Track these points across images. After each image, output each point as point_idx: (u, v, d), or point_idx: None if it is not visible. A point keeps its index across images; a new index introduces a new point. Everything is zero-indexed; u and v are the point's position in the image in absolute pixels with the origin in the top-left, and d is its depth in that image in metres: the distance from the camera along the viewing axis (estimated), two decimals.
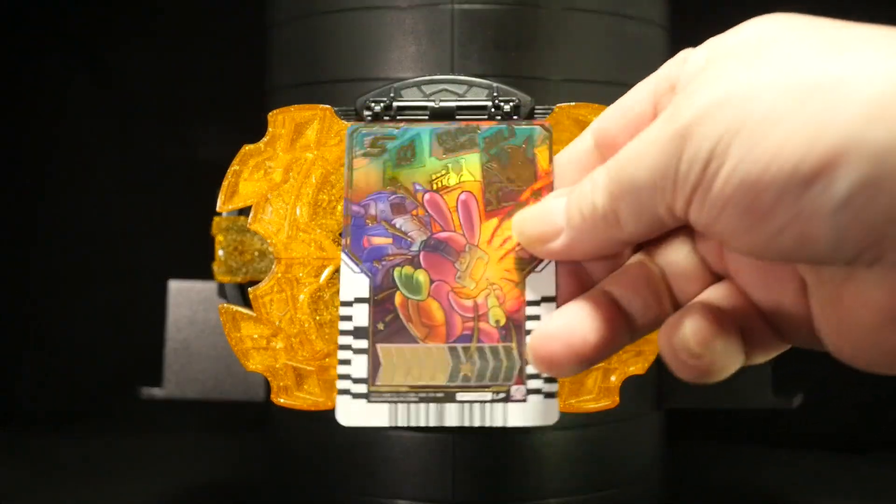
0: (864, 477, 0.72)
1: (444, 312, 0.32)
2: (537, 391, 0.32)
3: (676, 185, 0.27)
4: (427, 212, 0.33)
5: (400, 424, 0.32)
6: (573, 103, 0.50)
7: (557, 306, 0.31)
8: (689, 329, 0.28)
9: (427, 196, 0.33)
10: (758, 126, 0.25)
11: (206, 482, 0.69)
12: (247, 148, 0.51)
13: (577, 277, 0.32)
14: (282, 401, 0.51)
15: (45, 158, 0.85)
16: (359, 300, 0.33)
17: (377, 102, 0.51)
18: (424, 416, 0.32)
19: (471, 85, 0.51)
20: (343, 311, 0.32)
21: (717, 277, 0.30)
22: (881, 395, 0.78)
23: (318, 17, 0.55)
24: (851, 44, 0.25)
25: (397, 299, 0.33)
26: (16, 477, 0.68)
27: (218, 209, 0.51)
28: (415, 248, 0.33)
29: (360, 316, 0.32)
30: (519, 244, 0.32)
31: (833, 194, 0.24)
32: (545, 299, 0.32)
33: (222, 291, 0.54)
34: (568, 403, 0.42)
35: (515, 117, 0.40)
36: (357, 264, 0.33)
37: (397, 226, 0.33)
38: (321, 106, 0.51)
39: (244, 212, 0.52)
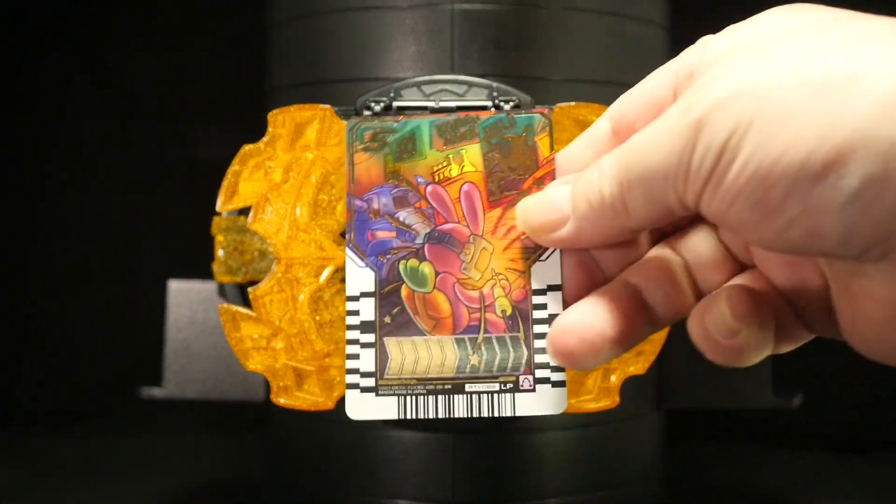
0: (864, 477, 0.72)
1: (451, 304, 0.32)
2: (545, 380, 0.32)
3: (688, 176, 0.27)
4: (430, 204, 0.33)
5: (409, 417, 0.32)
6: (573, 103, 0.50)
7: (563, 295, 0.32)
8: (727, 305, 0.28)
9: (429, 188, 0.33)
10: (771, 120, 0.25)
11: (206, 482, 0.69)
12: (247, 148, 0.51)
13: (583, 265, 0.32)
14: (282, 401, 0.51)
15: (45, 158, 0.85)
16: (365, 294, 0.33)
17: (377, 102, 0.51)
18: (433, 408, 0.32)
19: (471, 85, 0.51)
20: (349, 305, 0.32)
21: (740, 267, 0.31)
22: (881, 395, 0.78)
23: (318, 17, 0.55)
24: (867, 38, 0.25)
25: (403, 292, 0.33)
26: (16, 477, 0.68)
27: (218, 209, 0.51)
28: (419, 240, 0.33)
29: (367, 310, 0.33)
30: (523, 233, 0.32)
31: (842, 189, 0.24)
32: (551, 287, 0.32)
33: (222, 291, 0.54)
34: (568, 403, 0.42)
35: None
36: (362, 259, 0.33)
37: (401, 219, 0.33)
38: (321, 106, 0.51)
39: (244, 212, 0.52)
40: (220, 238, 0.53)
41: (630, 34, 0.55)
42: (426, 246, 0.33)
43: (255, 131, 0.52)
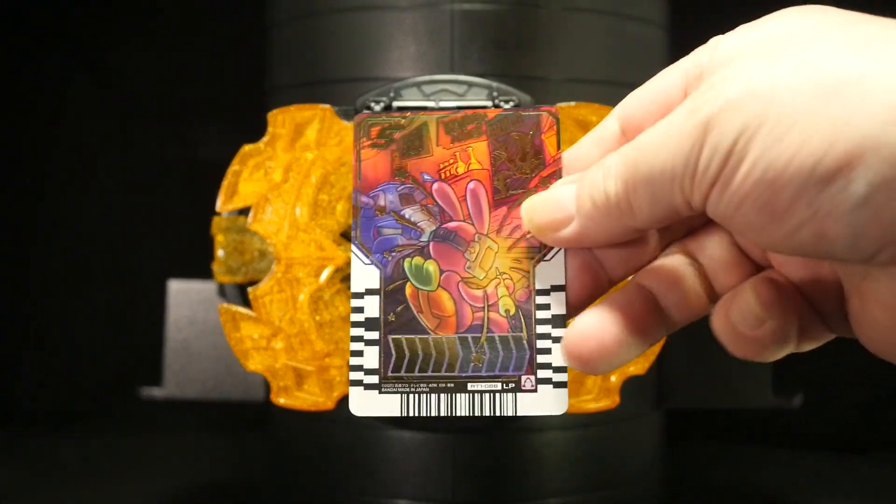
0: (864, 477, 0.72)
1: (455, 303, 0.33)
2: (547, 381, 0.32)
3: (695, 178, 0.27)
4: (436, 201, 0.33)
5: (411, 414, 0.32)
6: (573, 103, 0.50)
7: (567, 295, 0.32)
8: (753, 294, 0.28)
9: (435, 185, 0.33)
10: (779, 123, 0.25)
11: (206, 482, 0.69)
12: (247, 148, 0.51)
13: (587, 266, 0.32)
14: (282, 401, 0.51)
15: (45, 158, 0.85)
16: (370, 291, 0.33)
17: (377, 102, 0.51)
18: (435, 406, 0.32)
19: (471, 85, 0.51)
20: (354, 302, 0.33)
21: (756, 268, 0.31)
22: (881, 395, 0.78)
23: (318, 17, 0.55)
24: (877, 40, 0.25)
25: (408, 290, 0.33)
26: (16, 477, 0.68)
27: (218, 209, 0.51)
28: (424, 238, 0.33)
29: (372, 307, 0.33)
30: (528, 232, 0.32)
31: (851, 194, 0.24)
32: (555, 288, 0.32)
33: (222, 291, 0.54)
34: (568, 403, 0.42)
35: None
36: (367, 256, 0.33)
37: (406, 216, 0.33)
38: (321, 106, 0.51)
39: (244, 212, 0.52)
40: (220, 238, 0.53)
41: (630, 34, 0.55)
42: (431, 244, 0.33)
43: (255, 131, 0.52)
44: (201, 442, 0.78)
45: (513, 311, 0.32)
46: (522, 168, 0.33)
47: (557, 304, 0.32)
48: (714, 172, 0.26)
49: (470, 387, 0.32)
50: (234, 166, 0.51)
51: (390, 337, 0.33)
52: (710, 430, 0.79)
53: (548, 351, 0.32)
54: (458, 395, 0.32)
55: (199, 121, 0.84)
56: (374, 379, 0.32)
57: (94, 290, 0.84)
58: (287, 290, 0.50)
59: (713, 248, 0.31)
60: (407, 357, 0.32)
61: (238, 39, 0.78)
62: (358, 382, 0.32)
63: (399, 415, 0.32)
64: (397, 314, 0.33)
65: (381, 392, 0.32)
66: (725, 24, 0.29)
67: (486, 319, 0.32)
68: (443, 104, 0.50)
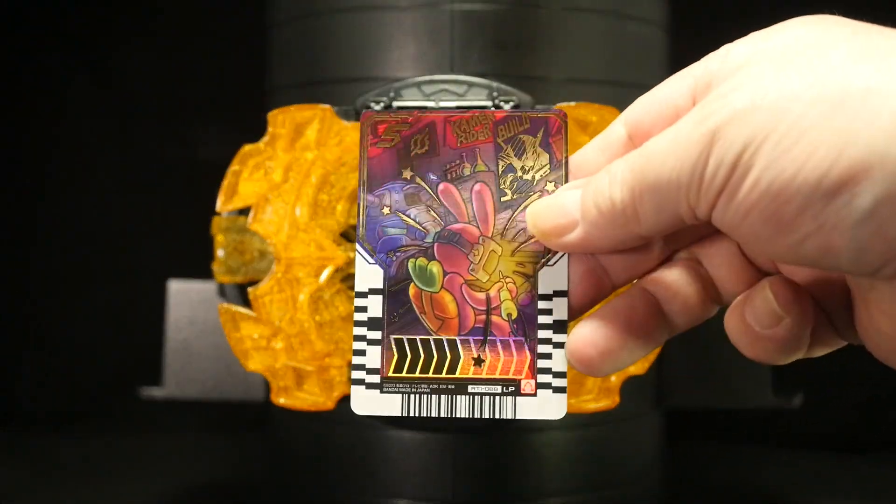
0: (864, 477, 0.72)
1: (458, 305, 0.33)
2: (547, 385, 0.32)
3: (701, 187, 0.27)
4: (441, 202, 0.33)
5: (412, 414, 0.32)
6: (573, 103, 0.50)
7: (569, 301, 0.32)
8: (771, 293, 0.28)
9: (441, 186, 0.33)
10: (786, 135, 0.25)
11: (206, 482, 0.69)
12: (247, 148, 0.51)
13: (590, 272, 0.32)
14: (282, 401, 0.51)
15: (45, 158, 0.85)
16: (373, 291, 0.33)
17: (377, 102, 0.51)
18: (436, 407, 0.32)
19: (471, 85, 0.51)
20: (358, 301, 0.33)
21: (761, 275, 0.31)
22: (881, 395, 0.78)
23: (318, 17, 0.55)
24: (886, 52, 0.25)
25: (411, 291, 0.33)
26: (16, 477, 0.68)
27: (218, 209, 0.51)
28: (429, 239, 0.33)
29: (375, 307, 0.33)
30: (532, 236, 0.32)
31: (856, 208, 0.24)
32: (557, 293, 0.32)
33: (222, 291, 0.54)
34: (568, 403, 0.42)
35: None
36: (371, 255, 0.33)
37: (411, 217, 0.33)
38: (321, 106, 0.51)
39: (244, 212, 0.52)
40: (220, 238, 0.53)
41: (630, 34, 0.55)
42: (435, 245, 0.33)
43: (255, 131, 0.52)
44: (201, 442, 0.78)
45: (515, 316, 0.32)
46: (529, 171, 0.33)
47: (559, 310, 0.32)
48: (720, 183, 0.26)
49: (470, 389, 0.32)
50: (234, 166, 0.51)
51: (392, 337, 0.33)
52: (710, 430, 0.79)
53: (548, 356, 0.32)
54: (458, 396, 0.32)
55: (199, 121, 0.84)
56: (376, 378, 0.32)
57: (94, 290, 0.84)
58: (287, 290, 0.50)
59: (720, 256, 0.31)
60: (409, 357, 0.33)
61: (238, 39, 0.78)
62: (360, 381, 0.32)
63: (400, 414, 0.32)
64: (400, 314, 0.33)
65: (382, 391, 0.32)
66: (725, 24, 0.29)
67: (487, 322, 0.32)
68: (443, 104, 0.50)
